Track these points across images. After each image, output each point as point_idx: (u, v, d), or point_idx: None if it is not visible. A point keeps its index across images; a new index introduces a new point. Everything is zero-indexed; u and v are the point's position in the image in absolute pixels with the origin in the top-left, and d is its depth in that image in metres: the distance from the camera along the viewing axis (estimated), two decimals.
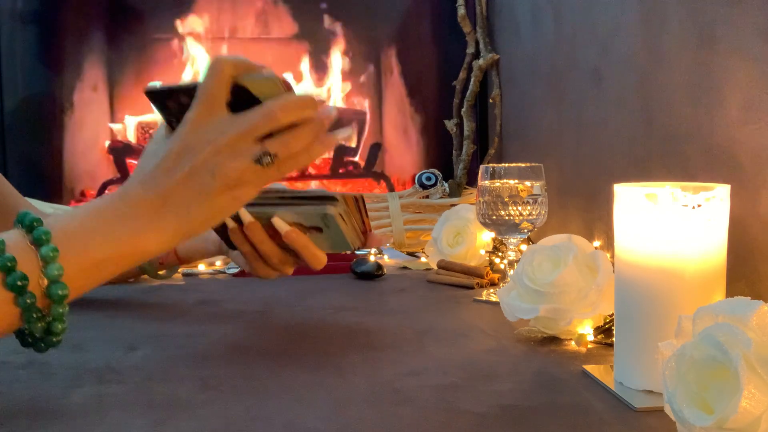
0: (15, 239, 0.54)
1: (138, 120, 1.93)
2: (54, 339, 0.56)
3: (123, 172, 1.85)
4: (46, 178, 1.81)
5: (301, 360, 0.69)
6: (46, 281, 0.54)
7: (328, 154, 1.94)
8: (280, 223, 0.77)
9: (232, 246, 0.82)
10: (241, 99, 0.62)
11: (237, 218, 0.78)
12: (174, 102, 0.64)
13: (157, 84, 0.69)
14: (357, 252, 1.32)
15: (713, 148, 0.84)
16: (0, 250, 0.53)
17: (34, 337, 0.56)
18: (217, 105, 0.61)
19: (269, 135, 0.61)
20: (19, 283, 0.52)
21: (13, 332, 0.57)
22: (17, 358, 0.67)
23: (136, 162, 1.89)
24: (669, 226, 0.55)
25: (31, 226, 0.55)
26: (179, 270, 1.10)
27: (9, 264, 0.52)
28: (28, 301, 0.53)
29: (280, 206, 0.78)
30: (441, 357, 0.70)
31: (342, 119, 1.95)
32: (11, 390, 0.61)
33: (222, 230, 0.80)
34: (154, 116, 1.94)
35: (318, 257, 0.77)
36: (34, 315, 0.54)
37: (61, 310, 0.55)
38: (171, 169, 0.60)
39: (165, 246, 0.60)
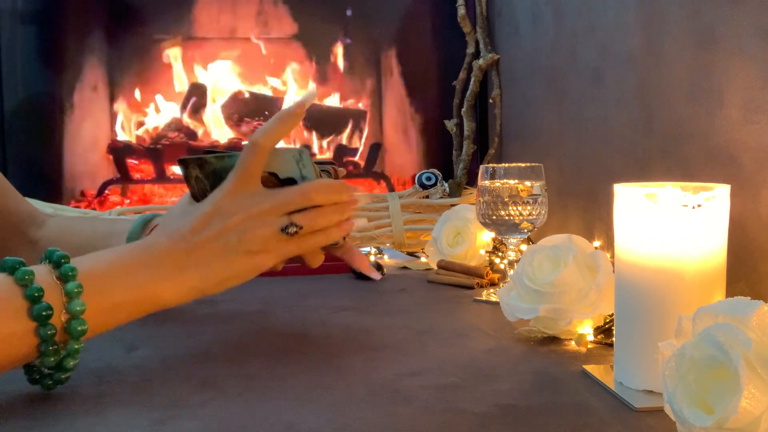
0: (42, 273, 0.57)
1: (138, 120, 1.93)
2: (63, 376, 0.59)
3: (123, 172, 1.85)
4: (46, 178, 1.81)
5: (301, 360, 0.69)
6: (67, 316, 0.56)
7: (329, 154, 1.94)
8: None
9: None
10: (269, 179, 0.68)
11: None
12: (203, 173, 0.69)
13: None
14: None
15: (713, 148, 0.84)
16: (29, 280, 0.56)
17: (42, 374, 0.59)
18: (252, 179, 0.67)
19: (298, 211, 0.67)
20: (44, 313, 0.55)
21: (23, 368, 0.60)
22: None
23: (136, 162, 1.89)
24: (669, 226, 0.55)
25: (58, 262, 0.58)
26: None
27: (36, 294, 0.55)
28: (49, 332, 0.55)
29: None
30: (441, 357, 0.70)
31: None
32: (11, 390, 0.61)
33: None
34: (155, 116, 1.94)
35: (316, 254, 0.78)
36: (51, 348, 0.56)
37: (76, 347, 0.58)
38: (200, 228, 0.65)
39: (180, 299, 0.64)
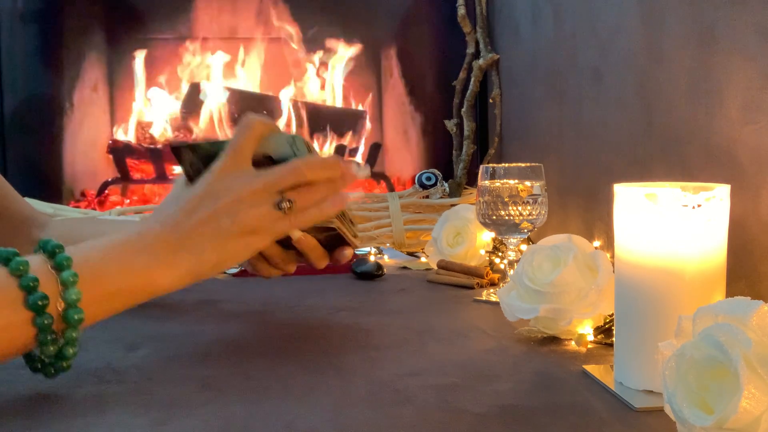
0: (37, 262, 0.57)
1: (138, 120, 1.93)
2: (64, 364, 0.59)
3: (123, 172, 1.85)
4: (46, 178, 1.81)
5: (301, 360, 0.69)
6: (63, 305, 0.56)
7: (329, 154, 1.94)
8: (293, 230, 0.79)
9: None
10: (263, 161, 0.67)
11: None
12: (197, 157, 0.69)
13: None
14: (356, 252, 1.32)
15: (713, 148, 0.84)
16: (24, 270, 0.55)
17: (43, 362, 0.59)
18: (243, 159, 0.66)
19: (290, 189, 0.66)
20: (40, 303, 0.55)
21: (23, 357, 0.60)
22: (17, 358, 0.67)
23: (136, 162, 1.89)
24: (669, 226, 0.55)
25: (53, 251, 0.57)
26: None
27: (31, 284, 0.55)
28: (46, 321, 0.55)
29: None
30: (441, 357, 0.70)
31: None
32: (11, 390, 0.61)
33: None
34: (155, 116, 1.94)
35: (322, 257, 0.79)
36: (49, 337, 0.56)
37: (74, 335, 0.57)
38: (192, 211, 0.64)
39: (176, 284, 0.64)
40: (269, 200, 0.65)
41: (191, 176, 0.69)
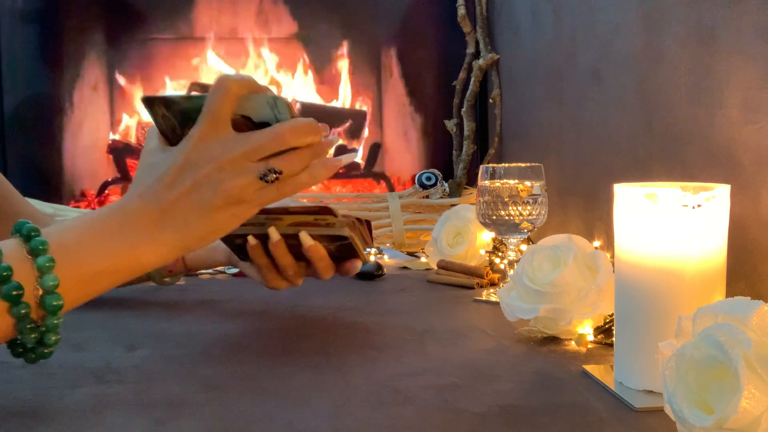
0: (12, 248, 0.54)
1: (138, 120, 1.93)
2: (46, 350, 0.56)
3: (123, 172, 1.85)
4: (46, 178, 1.81)
5: (301, 360, 0.69)
6: (41, 291, 0.54)
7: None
8: (305, 237, 0.78)
9: (244, 258, 0.83)
10: (245, 128, 0.63)
11: (257, 234, 0.79)
12: (171, 112, 0.64)
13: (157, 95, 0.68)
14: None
15: (713, 148, 0.84)
16: None
17: (25, 348, 0.56)
18: (221, 123, 0.61)
19: (272, 156, 0.62)
20: (14, 293, 0.52)
21: (7, 345, 0.57)
22: (17, 358, 0.67)
23: (136, 162, 1.89)
24: (669, 226, 0.55)
25: (28, 235, 0.55)
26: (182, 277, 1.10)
27: (5, 274, 0.52)
28: (23, 311, 0.53)
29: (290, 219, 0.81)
30: (441, 357, 0.70)
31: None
32: (11, 390, 0.61)
33: (234, 244, 0.80)
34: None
35: (330, 267, 0.79)
36: (28, 326, 0.54)
37: (55, 321, 0.55)
38: (171, 183, 0.60)
39: (162, 260, 0.60)
40: (252, 169, 0.61)
41: (165, 132, 0.65)
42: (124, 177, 1.85)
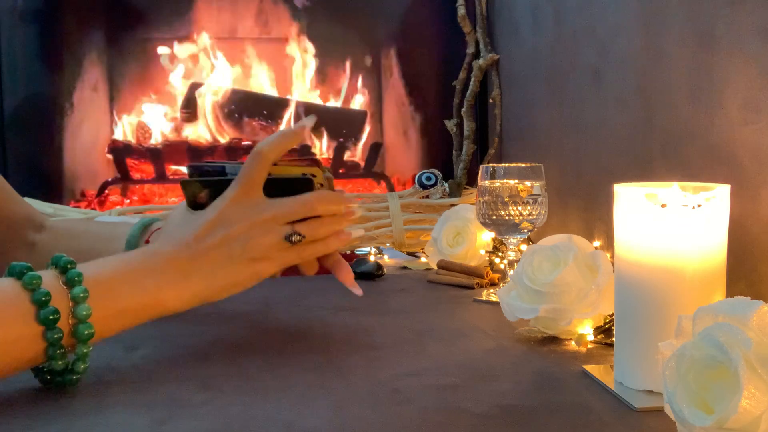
0: (49, 277, 0.58)
1: (138, 120, 1.93)
2: (74, 378, 0.60)
3: (123, 172, 1.85)
4: (46, 178, 1.81)
5: (301, 360, 0.69)
6: (74, 320, 0.57)
7: (329, 155, 1.94)
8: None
9: None
10: (276, 188, 0.69)
11: None
12: (207, 190, 0.70)
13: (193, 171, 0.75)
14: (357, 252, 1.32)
15: (713, 148, 0.84)
16: (36, 285, 0.56)
17: (52, 374, 0.60)
18: (255, 188, 0.68)
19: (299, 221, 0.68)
20: (51, 317, 0.56)
21: (32, 369, 0.60)
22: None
23: (136, 162, 1.89)
24: (669, 225, 0.55)
25: (65, 267, 0.59)
26: None
27: (44, 298, 0.56)
28: (56, 336, 0.56)
29: None
30: (441, 357, 0.70)
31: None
32: (11, 390, 0.61)
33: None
34: (155, 116, 1.94)
35: (312, 264, 0.79)
36: (58, 351, 0.57)
37: (85, 350, 0.59)
38: (204, 236, 0.66)
39: (183, 305, 0.66)
40: (279, 231, 0.67)
41: (194, 207, 0.71)
42: (124, 177, 1.85)
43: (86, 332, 0.57)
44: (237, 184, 0.68)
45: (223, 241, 0.66)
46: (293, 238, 0.67)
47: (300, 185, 0.70)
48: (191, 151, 1.84)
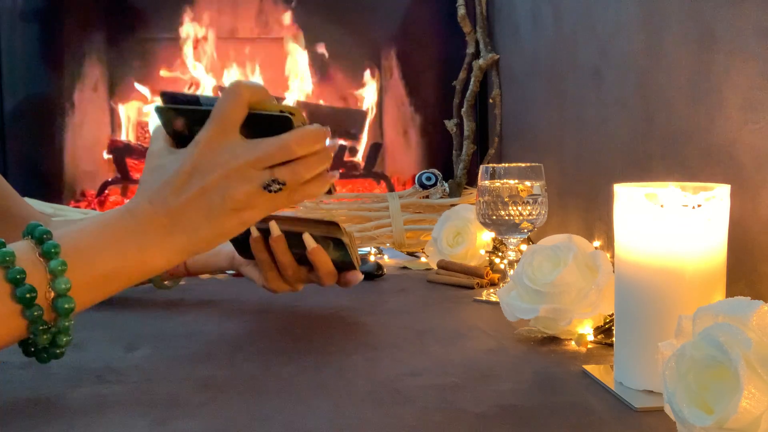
0: (24, 251, 0.55)
1: (138, 120, 1.93)
2: (58, 351, 0.58)
3: (123, 172, 1.85)
4: (46, 178, 1.81)
5: (301, 360, 0.69)
6: (53, 294, 0.55)
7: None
8: (308, 238, 0.80)
9: (247, 255, 0.84)
10: (253, 126, 0.63)
11: (260, 228, 0.82)
12: (182, 118, 0.65)
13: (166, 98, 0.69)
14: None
15: (713, 148, 0.84)
16: (10, 262, 0.54)
17: (38, 348, 0.58)
18: (231, 128, 0.62)
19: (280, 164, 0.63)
20: (27, 295, 0.54)
21: (18, 344, 0.58)
22: (17, 358, 0.67)
23: (136, 162, 1.89)
24: (669, 226, 0.55)
25: (41, 238, 0.56)
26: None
27: (18, 276, 0.53)
28: (36, 313, 0.54)
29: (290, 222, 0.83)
30: (441, 357, 0.70)
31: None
32: (11, 390, 0.61)
33: (235, 238, 0.81)
34: (155, 116, 1.94)
35: (332, 274, 0.81)
36: (40, 327, 0.55)
37: (67, 324, 0.56)
38: (180, 188, 0.61)
39: (170, 263, 0.62)
40: (258, 177, 0.62)
41: (171, 133, 0.66)
42: (124, 177, 1.85)
43: (66, 306, 0.55)
44: (211, 123, 0.62)
45: (201, 192, 0.61)
46: (272, 187, 0.62)
47: (278, 123, 0.63)
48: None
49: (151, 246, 0.60)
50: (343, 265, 0.84)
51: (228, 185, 0.61)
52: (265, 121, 0.63)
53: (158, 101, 0.69)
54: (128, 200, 0.63)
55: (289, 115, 0.63)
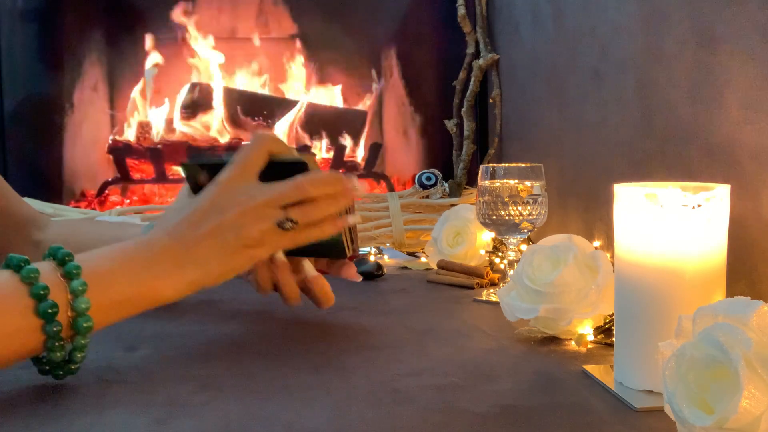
0: (47, 270, 0.58)
1: (138, 120, 1.93)
2: (72, 367, 0.61)
3: (123, 172, 1.85)
4: (46, 178, 1.81)
5: (301, 360, 0.69)
6: (73, 313, 0.57)
7: (329, 154, 1.94)
8: (309, 267, 0.80)
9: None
10: (271, 174, 0.69)
11: None
12: (206, 173, 0.71)
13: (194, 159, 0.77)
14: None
15: (713, 148, 0.84)
16: (35, 278, 0.56)
17: (52, 365, 0.60)
18: (251, 172, 0.68)
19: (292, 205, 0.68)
20: (50, 311, 0.56)
21: (31, 359, 0.61)
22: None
23: (136, 162, 1.89)
24: (669, 226, 0.55)
25: (63, 259, 0.59)
26: None
27: (42, 292, 0.56)
28: (55, 329, 0.56)
29: None
30: (441, 357, 0.70)
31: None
32: (12, 390, 0.61)
33: None
34: (155, 116, 1.94)
35: (329, 298, 0.81)
36: (57, 343, 0.57)
37: (83, 342, 0.59)
38: (197, 223, 0.66)
39: (180, 294, 0.65)
40: (272, 216, 0.66)
41: (195, 190, 0.71)
42: (124, 177, 1.85)
43: (85, 324, 0.58)
44: (232, 166, 0.68)
45: (217, 229, 0.65)
46: (286, 225, 0.67)
47: (294, 170, 0.69)
48: (191, 151, 1.84)
49: (163, 276, 0.63)
50: (330, 248, 0.79)
51: (244, 223, 0.65)
52: (282, 169, 0.69)
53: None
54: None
55: (305, 161, 0.69)
